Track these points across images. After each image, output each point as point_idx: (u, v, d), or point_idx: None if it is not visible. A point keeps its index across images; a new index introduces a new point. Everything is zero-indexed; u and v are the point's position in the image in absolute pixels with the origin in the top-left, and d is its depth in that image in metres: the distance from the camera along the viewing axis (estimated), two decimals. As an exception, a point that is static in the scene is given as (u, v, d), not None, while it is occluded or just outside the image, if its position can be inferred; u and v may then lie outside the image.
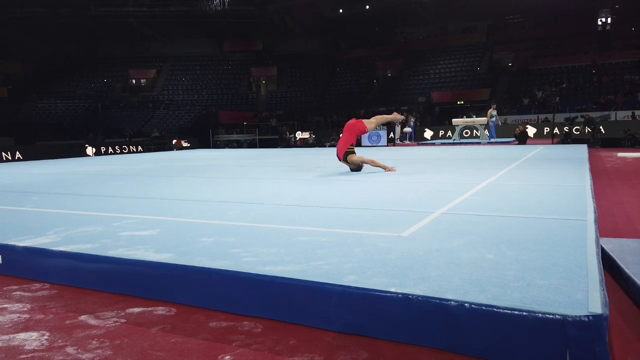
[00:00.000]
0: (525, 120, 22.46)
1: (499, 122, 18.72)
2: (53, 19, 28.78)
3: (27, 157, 15.86)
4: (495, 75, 30.18)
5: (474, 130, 20.97)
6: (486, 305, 1.80)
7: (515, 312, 1.74)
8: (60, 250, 2.84)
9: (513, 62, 30.57)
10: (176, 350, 1.91)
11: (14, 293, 2.65)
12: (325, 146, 21.27)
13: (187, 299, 2.41)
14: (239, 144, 25.87)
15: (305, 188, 5.70)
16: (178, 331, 2.10)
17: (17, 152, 15.99)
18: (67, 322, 2.22)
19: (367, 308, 2.00)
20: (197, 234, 3.17)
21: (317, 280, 2.15)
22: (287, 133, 25.11)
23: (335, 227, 3.30)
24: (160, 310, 2.34)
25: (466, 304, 1.83)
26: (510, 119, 22.57)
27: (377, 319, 1.98)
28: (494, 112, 18.31)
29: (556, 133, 17.85)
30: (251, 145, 25.50)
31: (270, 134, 26.95)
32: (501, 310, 1.77)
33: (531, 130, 20.87)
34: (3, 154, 15.56)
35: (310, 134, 24.06)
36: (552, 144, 16.01)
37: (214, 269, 2.38)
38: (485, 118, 19.05)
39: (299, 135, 24.29)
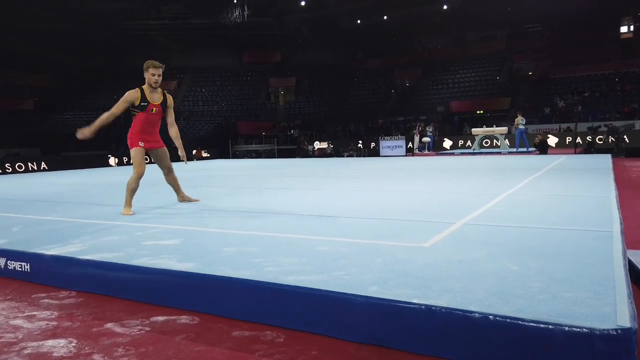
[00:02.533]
0: (547, 130, 22.14)
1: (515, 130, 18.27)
2: (78, 33, 29.58)
3: (52, 168, 16.24)
4: (515, 84, 29.89)
5: (494, 140, 20.75)
6: (511, 318, 1.78)
7: (542, 325, 1.72)
8: (87, 259, 2.90)
9: (533, 71, 30.24)
10: (200, 359, 1.93)
11: (42, 301, 2.71)
12: (343, 156, 21.30)
13: (210, 308, 2.43)
14: (257, 154, 26.07)
15: (325, 198, 5.71)
16: (202, 340, 2.12)
17: (43, 163, 16.39)
18: (94, 329, 2.27)
19: (389, 319, 1.99)
20: (219, 244, 3.20)
21: (339, 290, 2.15)
22: (305, 143, 25.23)
23: (355, 237, 3.30)
24: (184, 319, 2.37)
25: (491, 316, 1.81)
26: (531, 128, 22.29)
27: (399, 331, 1.97)
28: (521, 120, 17.86)
29: (579, 142, 17.56)
30: (270, 155, 25.67)
31: (289, 144, 27.09)
32: (527, 323, 1.74)
33: (553, 140, 20.58)
34: (29, 164, 15.97)
35: (328, 143, 24.13)
36: (575, 153, 15.75)
37: (237, 278, 2.40)
38: (506, 128, 18.85)
39: (317, 145, 24.38)
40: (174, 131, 5.12)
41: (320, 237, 3.33)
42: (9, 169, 15.34)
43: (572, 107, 24.57)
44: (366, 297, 2.06)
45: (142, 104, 4.77)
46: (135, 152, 4.83)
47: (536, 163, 10.76)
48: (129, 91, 4.75)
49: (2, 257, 3.18)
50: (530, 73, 30.41)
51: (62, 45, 30.88)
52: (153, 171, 12.21)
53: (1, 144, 24.04)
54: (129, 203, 4.82)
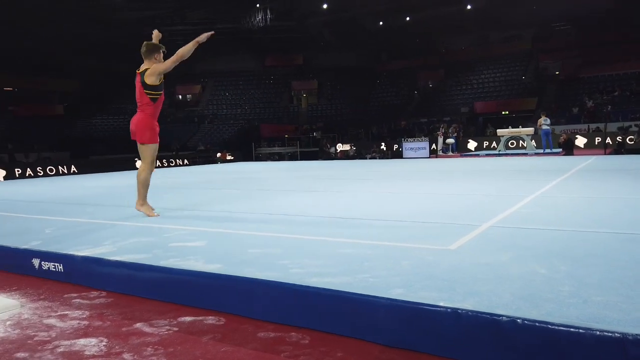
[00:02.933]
0: (575, 130, 21.64)
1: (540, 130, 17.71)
2: (105, 40, 30.32)
3: (81, 171, 16.67)
4: (541, 84, 29.30)
5: (520, 141, 20.38)
6: (540, 322, 1.75)
7: (572, 330, 1.68)
8: (116, 260, 2.97)
9: (560, 70, 29.59)
10: (227, 359, 1.96)
11: (73, 300, 2.78)
12: (366, 158, 21.24)
13: (235, 309, 2.46)
14: (280, 157, 26.22)
15: (349, 200, 5.71)
16: (228, 340, 2.15)
17: (73, 166, 16.84)
18: (123, 329, 2.32)
19: (415, 322, 1.98)
20: (245, 245, 3.24)
21: (364, 293, 2.15)
22: (328, 145, 25.25)
23: (380, 239, 3.29)
24: (210, 319, 2.40)
25: (518, 320, 1.78)
26: (559, 128, 21.80)
27: (425, 334, 1.96)
28: (544, 121, 17.41)
29: (609, 143, 17.12)
30: (292, 157, 25.78)
31: (311, 146, 27.17)
32: (556, 328, 1.71)
33: (581, 140, 20.10)
34: (60, 167, 16.43)
35: (350, 146, 24.10)
36: (605, 154, 15.35)
37: (263, 279, 2.42)
38: (532, 128, 18.47)
39: (340, 147, 24.38)
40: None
41: (345, 239, 3.34)
42: (40, 173, 15.81)
43: (601, 107, 23.96)
44: (391, 299, 2.06)
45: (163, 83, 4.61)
46: (155, 149, 4.71)
47: (564, 164, 10.53)
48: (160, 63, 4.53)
49: (37, 257, 3.28)
50: (557, 72, 29.76)
51: (90, 51, 31.70)
52: (181, 174, 12.35)
53: (33, 149, 24.78)
54: (145, 196, 4.71)
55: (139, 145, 4.72)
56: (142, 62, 4.75)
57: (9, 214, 5.60)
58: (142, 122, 4.63)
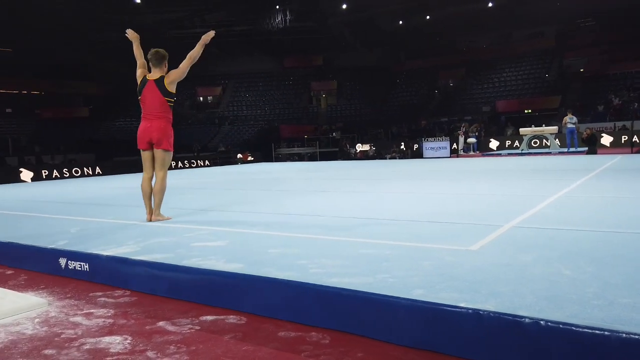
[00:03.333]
0: (601, 128, 21.14)
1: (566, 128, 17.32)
2: (128, 43, 30.91)
3: (106, 172, 17.03)
4: (565, 81, 28.72)
5: (544, 140, 20.00)
6: (564, 324, 1.72)
7: (597, 332, 1.65)
8: (140, 259, 3.02)
9: (585, 68, 28.95)
10: (248, 358, 1.98)
11: (99, 299, 2.85)
12: (385, 158, 21.14)
13: (256, 308, 2.48)
14: (300, 157, 26.29)
15: (368, 200, 5.70)
16: (249, 339, 2.17)
17: (97, 168, 17.21)
18: (147, 327, 2.36)
19: (436, 323, 1.97)
20: (265, 245, 3.26)
21: (384, 293, 2.14)
22: (347, 145, 25.22)
23: (400, 239, 3.28)
24: (232, 318, 2.43)
25: (542, 322, 1.75)
26: (584, 126, 21.33)
27: (446, 335, 1.94)
28: (569, 119, 17.08)
29: (635, 141, 16.68)
30: (312, 158, 25.83)
31: (331, 146, 27.18)
32: (581, 330, 1.68)
33: (607, 139, 19.62)
34: (85, 169, 16.81)
35: (370, 146, 24.02)
36: (632, 153, 14.96)
37: (282, 279, 2.44)
38: (556, 127, 18.12)
39: (359, 147, 24.32)
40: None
41: (364, 239, 3.33)
42: (66, 174, 16.19)
43: (627, 104, 23.36)
44: (412, 300, 2.05)
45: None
46: (171, 156, 4.74)
47: (589, 164, 10.31)
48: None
49: (64, 257, 3.36)
50: (581, 70, 29.13)
51: (113, 55, 32.31)
52: (202, 175, 12.50)
53: (59, 151, 25.39)
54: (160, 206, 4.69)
55: (159, 152, 4.60)
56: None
57: (37, 215, 5.76)
58: (166, 129, 4.59)
